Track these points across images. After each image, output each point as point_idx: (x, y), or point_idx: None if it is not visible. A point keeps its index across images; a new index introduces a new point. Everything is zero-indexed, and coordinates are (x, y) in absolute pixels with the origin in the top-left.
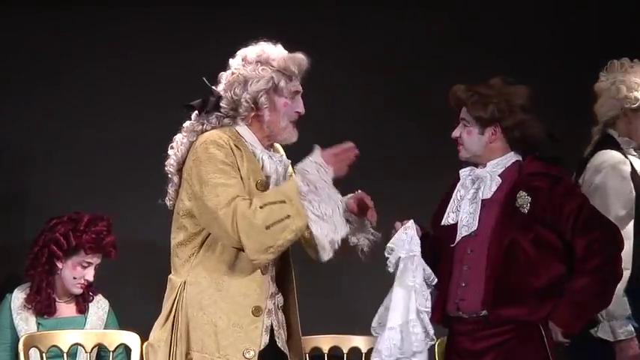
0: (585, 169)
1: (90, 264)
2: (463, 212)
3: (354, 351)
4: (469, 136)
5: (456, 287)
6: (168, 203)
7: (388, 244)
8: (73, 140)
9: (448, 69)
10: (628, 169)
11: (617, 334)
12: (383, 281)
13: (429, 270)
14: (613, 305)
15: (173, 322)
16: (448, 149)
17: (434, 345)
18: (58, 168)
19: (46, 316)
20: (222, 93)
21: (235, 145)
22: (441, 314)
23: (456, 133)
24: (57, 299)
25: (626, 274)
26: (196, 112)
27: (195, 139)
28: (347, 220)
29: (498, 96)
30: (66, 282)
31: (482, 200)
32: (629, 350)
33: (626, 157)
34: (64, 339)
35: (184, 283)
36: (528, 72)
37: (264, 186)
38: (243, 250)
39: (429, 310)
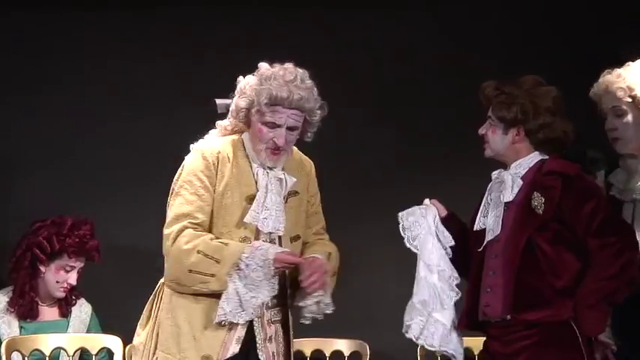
0: None
1: (73, 268)
2: (490, 217)
3: (337, 354)
4: (493, 135)
5: (483, 293)
6: None
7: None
8: (57, 143)
9: (436, 74)
10: None
11: None
12: (365, 285)
13: (445, 234)
14: None
15: (149, 322)
16: (438, 155)
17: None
18: (42, 171)
19: (28, 320)
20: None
21: (228, 156)
22: (469, 320)
23: (482, 131)
24: (40, 303)
25: None
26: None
27: (221, 135)
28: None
29: (525, 97)
30: (49, 286)
31: (506, 203)
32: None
33: None
34: (46, 342)
35: (162, 284)
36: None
37: (249, 200)
38: None
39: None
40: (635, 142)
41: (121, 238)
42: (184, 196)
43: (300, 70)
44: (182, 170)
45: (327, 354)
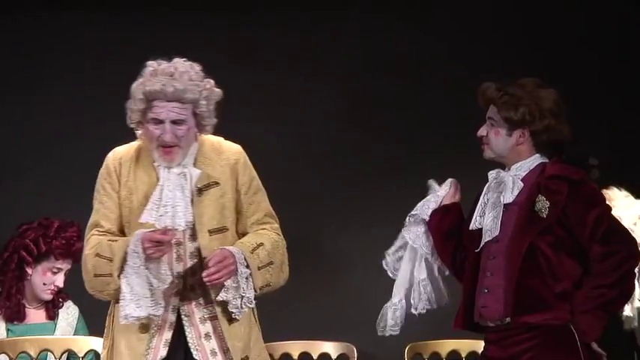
0: None
1: (60, 270)
2: (487, 217)
3: (324, 357)
4: (496, 137)
5: (480, 294)
6: None
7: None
8: (44, 145)
9: (427, 78)
10: None
11: None
12: (352, 288)
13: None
14: None
15: (107, 339)
16: (419, 158)
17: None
18: (29, 173)
19: (15, 322)
20: None
21: (131, 160)
22: (464, 320)
23: (482, 132)
24: (26, 305)
25: None
26: None
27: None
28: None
29: (529, 98)
30: (36, 288)
31: (505, 204)
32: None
33: None
34: (33, 345)
35: None
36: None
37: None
38: None
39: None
40: None
41: None
42: (94, 206)
43: (187, 64)
44: None
45: (315, 356)
